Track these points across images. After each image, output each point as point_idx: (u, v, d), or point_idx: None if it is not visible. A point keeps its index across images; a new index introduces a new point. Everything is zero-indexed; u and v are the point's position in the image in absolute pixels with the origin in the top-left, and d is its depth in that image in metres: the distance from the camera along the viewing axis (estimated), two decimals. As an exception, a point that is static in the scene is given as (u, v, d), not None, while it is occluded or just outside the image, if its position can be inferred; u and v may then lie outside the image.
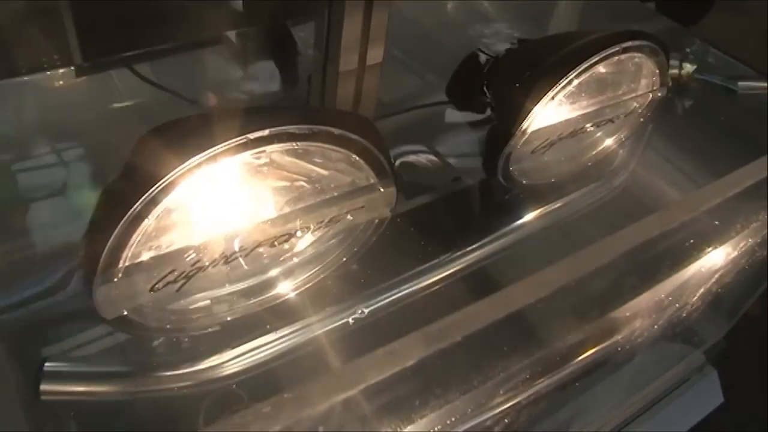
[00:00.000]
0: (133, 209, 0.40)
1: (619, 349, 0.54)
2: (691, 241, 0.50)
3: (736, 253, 0.55)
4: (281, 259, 0.52)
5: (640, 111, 0.70)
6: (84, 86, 0.73)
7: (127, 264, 0.43)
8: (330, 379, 0.37)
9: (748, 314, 0.95)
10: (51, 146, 0.66)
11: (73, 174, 0.66)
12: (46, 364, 0.47)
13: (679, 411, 0.94)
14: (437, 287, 0.58)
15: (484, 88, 0.65)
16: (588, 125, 0.65)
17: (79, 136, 0.66)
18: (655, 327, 0.57)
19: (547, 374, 0.45)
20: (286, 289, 0.52)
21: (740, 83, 0.89)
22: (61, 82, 0.70)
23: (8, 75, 0.65)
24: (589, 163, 0.71)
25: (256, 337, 0.51)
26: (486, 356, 0.38)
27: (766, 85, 0.89)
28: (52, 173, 0.65)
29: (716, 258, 0.54)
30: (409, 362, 0.34)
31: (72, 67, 0.69)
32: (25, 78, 0.66)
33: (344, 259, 0.54)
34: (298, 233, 0.50)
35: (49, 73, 0.68)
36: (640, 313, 0.49)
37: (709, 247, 0.51)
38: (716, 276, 0.58)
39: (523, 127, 0.58)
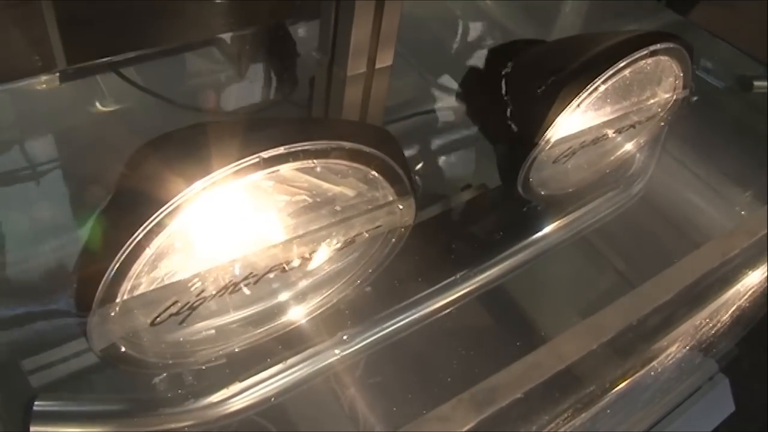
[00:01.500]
0: (133, 238, 0.36)
1: (653, 373, 0.50)
2: (737, 263, 0.47)
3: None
4: (292, 282, 0.47)
5: (661, 114, 0.67)
6: (69, 92, 0.67)
7: (126, 297, 0.38)
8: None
9: (762, 321, 0.93)
10: (38, 154, 0.61)
11: (59, 185, 0.61)
12: (36, 402, 0.43)
13: (691, 421, 0.91)
14: (452, 308, 0.55)
15: (502, 92, 0.61)
16: (610, 131, 0.62)
17: (65, 144, 0.62)
18: (687, 348, 0.54)
19: (586, 409, 0.41)
20: (298, 315, 0.48)
21: (756, 83, 0.86)
22: (44, 87, 0.64)
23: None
24: (608, 170, 0.68)
25: (265, 369, 0.47)
26: (538, 405, 0.35)
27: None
28: (37, 183, 0.60)
29: (753, 278, 0.51)
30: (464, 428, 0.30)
31: (56, 73, 0.64)
32: (8, 85, 0.61)
33: (358, 281, 0.50)
34: (310, 255, 0.46)
35: (31, 79, 0.63)
36: (679, 339, 0.46)
37: (750, 270, 0.48)
38: (749, 293, 0.55)
39: (547, 137, 0.55)
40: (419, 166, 0.67)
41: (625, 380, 0.44)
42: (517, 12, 0.94)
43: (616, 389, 0.44)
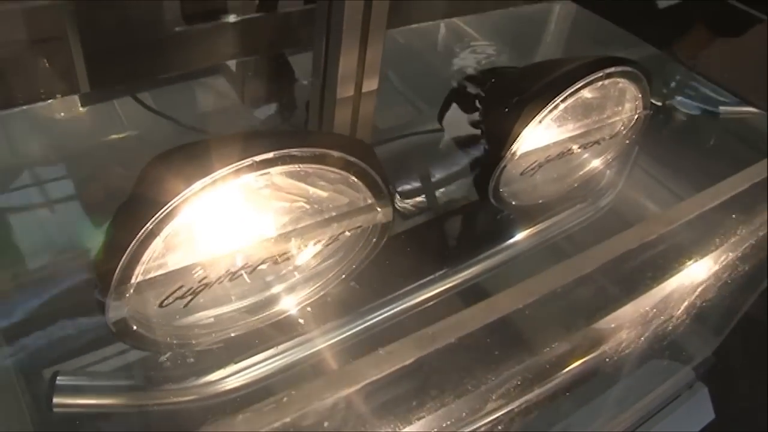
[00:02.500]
0: (145, 228, 0.43)
1: (607, 359, 0.56)
2: (671, 254, 0.53)
3: (717, 266, 0.58)
4: (283, 275, 0.54)
5: (624, 133, 0.73)
6: (88, 114, 0.75)
7: (138, 280, 0.45)
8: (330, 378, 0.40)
9: (737, 329, 0.98)
10: (60, 170, 0.68)
11: (78, 196, 0.68)
12: (59, 377, 0.49)
13: (670, 427, 0.96)
14: (431, 302, 0.61)
15: (476, 114, 0.68)
16: (575, 147, 0.68)
17: (87, 161, 0.69)
18: (642, 339, 0.59)
19: (539, 383, 0.47)
20: (288, 305, 0.55)
21: (721, 108, 0.93)
22: (63, 112, 0.72)
23: (15, 104, 0.67)
24: (576, 184, 0.74)
25: (259, 353, 0.54)
26: (478, 356, 0.41)
27: (746, 109, 0.93)
28: (61, 196, 0.67)
29: (697, 271, 0.56)
30: (406, 362, 0.36)
31: (76, 96, 0.72)
32: (33, 105, 0.69)
33: (343, 276, 0.56)
34: (299, 250, 0.52)
35: (52, 101, 0.71)
36: (625, 324, 0.51)
37: (689, 260, 0.54)
38: (699, 290, 0.60)
39: (512, 150, 0.61)
40: (405, 181, 0.74)
41: (575, 360, 0.49)
42: (501, 42, 1.02)
43: (568, 368, 0.50)
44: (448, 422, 0.39)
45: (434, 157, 0.78)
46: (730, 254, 0.58)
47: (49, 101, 0.68)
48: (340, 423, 0.38)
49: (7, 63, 0.64)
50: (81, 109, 0.73)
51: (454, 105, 0.74)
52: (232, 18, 0.78)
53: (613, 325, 0.49)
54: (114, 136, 0.73)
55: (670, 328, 0.64)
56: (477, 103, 0.69)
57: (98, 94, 0.72)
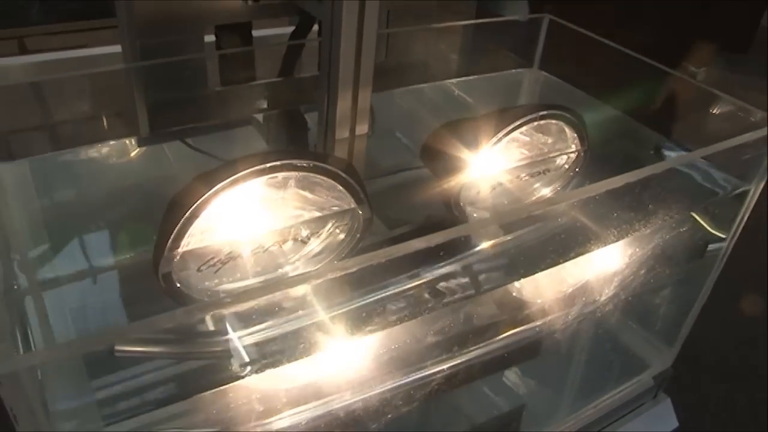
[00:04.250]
0: (190, 210, 0.62)
1: (538, 330, 0.72)
2: (578, 239, 0.70)
3: (626, 258, 0.74)
4: (290, 258, 0.72)
5: (567, 167, 0.91)
6: (143, 153, 0.97)
7: (183, 250, 0.63)
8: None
9: (694, 345, 1.11)
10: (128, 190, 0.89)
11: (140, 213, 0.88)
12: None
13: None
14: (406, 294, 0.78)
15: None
16: (522, 175, 0.86)
17: (147, 183, 0.90)
18: (570, 317, 0.75)
19: (475, 344, 0.63)
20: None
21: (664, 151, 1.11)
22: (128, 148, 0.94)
23: (93, 142, 0.89)
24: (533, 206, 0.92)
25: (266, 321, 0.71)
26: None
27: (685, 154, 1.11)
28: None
29: (610, 260, 0.73)
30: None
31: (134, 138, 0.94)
32: (105, 144, 0.90)
33: (336, 260, 0.74)
34: (303, 239, 0.71)
35: (113, 142, 0.93)
36: (546, 304, 0.68)
37: (591, 247, 0.70)
38: (617, 279, 0.76)
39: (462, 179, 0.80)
40: (392, 207, 0.92)
41: (507, 329, 0.65)
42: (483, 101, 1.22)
43: (502, 336, 0.66)
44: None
45: (415, 187, 0.96)
46: (636, 249, 0.75)
47: (118, 141, 0.89)
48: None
49: (90, 109, 0.86)
50: (139, 149, 0.95)
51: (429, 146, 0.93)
52: (258, 81, 0.99)
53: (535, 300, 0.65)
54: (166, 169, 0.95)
55: (599, 315, 0.79)
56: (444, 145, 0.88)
57: (153, 137, 0.93)
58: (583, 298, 0.74)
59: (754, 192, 0.88)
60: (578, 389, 1.00)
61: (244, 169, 0.63)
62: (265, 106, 1.01)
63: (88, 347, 0.47)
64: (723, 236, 0.93)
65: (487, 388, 0.91)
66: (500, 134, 0.80)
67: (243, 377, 0.65)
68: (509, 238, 0.81)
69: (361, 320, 0.65)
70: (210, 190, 0.62)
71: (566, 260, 0.69)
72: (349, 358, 0.67)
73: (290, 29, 1.00)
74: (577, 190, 0.73)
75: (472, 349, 0.68)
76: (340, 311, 0.69)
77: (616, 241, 0.72)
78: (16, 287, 0.74)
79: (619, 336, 1.08)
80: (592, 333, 1.04)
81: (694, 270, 1.01)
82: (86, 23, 2.28)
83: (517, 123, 0.80)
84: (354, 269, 0.57)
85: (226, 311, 0.70)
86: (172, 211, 0.64)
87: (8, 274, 0.74)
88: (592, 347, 0.97)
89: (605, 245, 0.71)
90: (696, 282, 1.00)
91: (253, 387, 0.65)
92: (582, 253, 0.70)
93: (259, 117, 1.02)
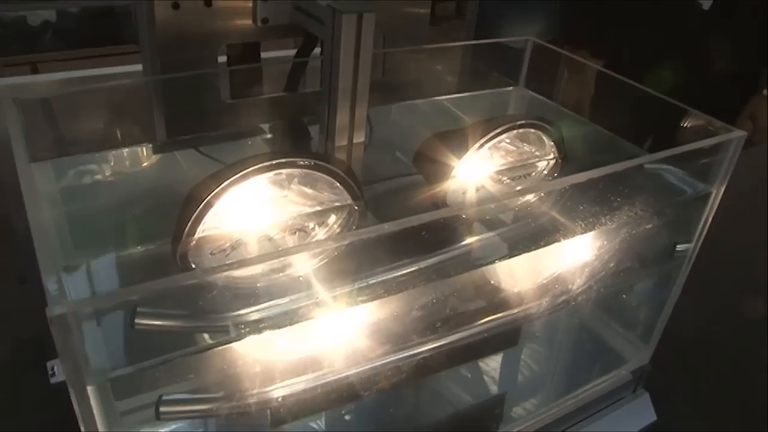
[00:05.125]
0: (205, 200, 0.71)
1: (515, 314, 0.80)
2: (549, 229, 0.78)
3: (595, 251, 0.82)
4: (295, 245, 0.81)
5: (546, 172, 1.00)
6: (158, 159, 1.06)
7: (199, 236, 0.72)
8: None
9: (672, 342, 1.19)
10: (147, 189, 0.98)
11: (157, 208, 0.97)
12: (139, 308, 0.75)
13: (610, 425, 1.15)
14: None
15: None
16: (504, 179, 0.95)
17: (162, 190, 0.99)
18: (544, 303, 0.83)
19: (455, 326, 0.71)
20: (301, 267, 0.81)
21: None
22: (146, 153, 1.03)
23: (116, 147, 0.98)
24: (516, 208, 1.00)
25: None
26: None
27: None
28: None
29: (581, 252, 0.81)
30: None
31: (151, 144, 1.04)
32: (124, 149, 1.00)
33: (336, 252, 0.83)
34: (308, 228, 0.80)
35: (128, 149, 1.02)
36: (524, 292, 0.76)
37: (560, 238, 0.79)
38: (587, 270, 0.85)
39: (449, 179, 0.89)
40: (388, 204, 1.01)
41: (487, 315, 0.74)
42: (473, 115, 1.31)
43: (483, 320, 0.74)
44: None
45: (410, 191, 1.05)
46: (605, 242, 0.83)
47: (135, 147, 0.99)
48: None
49: (112, 119, 0.96)
50: (156, 154, 1.04)
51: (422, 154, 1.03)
52: (266, 95, 1.09)
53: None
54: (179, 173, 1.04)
55: (573, 304, 0.87)
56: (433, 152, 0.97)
57: (169, 144, 1.02)
58: (557, 286, 0.83)
59: (716, 195, 0.97)
60: (559, 380, 1.08)
61: (254, 165, 0.72)
62: (271, 117, 1.10)
63: (126, 297, 0.58)
64: (690, 238, 1.02)
65: (470, 375, 0.99)
66: (483, 140, 0.89)
67: (242, 339, 0.73)
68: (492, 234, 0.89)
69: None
70: (223, 183, 0.71)
71: (537, 248, 0.78)
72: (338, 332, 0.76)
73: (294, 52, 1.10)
74: (546, 183, 0.82)
75: (453, 332, 0.76)
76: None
77: (584, 233, 0.80)
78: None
79: (598, 333, 1.16)
80: (572, 329, 1.12)
81: (666, 270, 1.09)
82: (109, 48, 3.02)
83: (499, 130, 0.89)
84: (346, 242, 0.65)
85: (232, 292, 0.79)
86: (189, 201, 0.73)
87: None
88: (573, 342, 1.05)
89: (574, 236, 0.80)
90: (668, 282, 1.08)
91: (250, 357, 0.74)
92: (551, 242, 0.78)
93: (266, 127, 1.11)
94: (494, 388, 1.03)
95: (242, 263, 0.65)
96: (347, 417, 1.00)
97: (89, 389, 0.57)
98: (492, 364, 1.05)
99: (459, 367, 0.97)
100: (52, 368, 1.11)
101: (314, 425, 1.06)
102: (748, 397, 1.85)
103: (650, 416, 1.20)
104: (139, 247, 0.90)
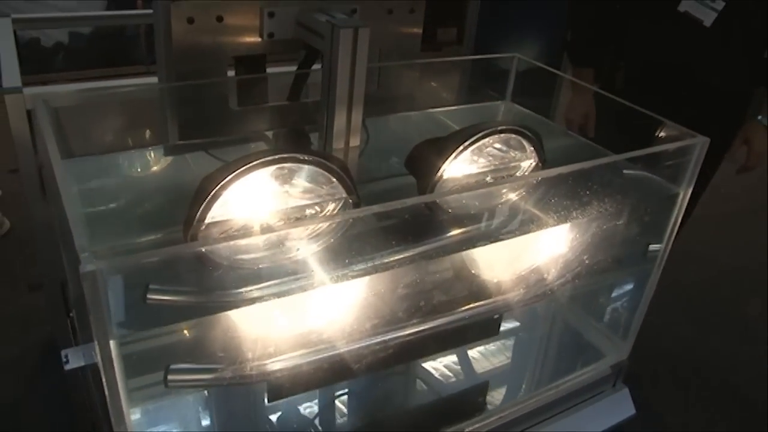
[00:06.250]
0: (213, 191, 0.79)
1: (495, 303, 0.88)
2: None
3: (569, 245, 0.90)
4: (296, 234, 0.89)
5: (527, 174, 1.08)
6: (170, 159, 1.15)
7: (208, 222, 0.80)
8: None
9: (650, 341, 1.26)
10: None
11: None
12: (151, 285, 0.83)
13: (590, 417, 1.22)
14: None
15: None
16: (487, 179, 1.04)
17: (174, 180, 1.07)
18: (524, 291, 0.91)
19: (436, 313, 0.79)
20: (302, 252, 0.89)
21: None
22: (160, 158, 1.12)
23: (134, 147, 1.07)
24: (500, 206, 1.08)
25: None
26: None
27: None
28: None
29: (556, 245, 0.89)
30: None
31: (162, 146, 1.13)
32: (140, 150, 1.09)
33: (332, 240, 0.91)
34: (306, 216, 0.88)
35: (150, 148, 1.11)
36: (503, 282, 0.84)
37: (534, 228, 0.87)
38: (562, 262, 0.93)
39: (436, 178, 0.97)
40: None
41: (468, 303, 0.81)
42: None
43: (464, 308, 0.81)
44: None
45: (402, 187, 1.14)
46: (578, 235, 0.91)
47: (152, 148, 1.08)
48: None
49: (129, 122, 1.05)
50: (166, 157, 1.13)
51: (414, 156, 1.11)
52: (270, 104, 1.18)
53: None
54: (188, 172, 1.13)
55: (550, 292, 0.95)
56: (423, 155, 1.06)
57: (180, 146, 1.11)
58: (534, 276, 0.90)
59: (684, 195, 1.05)
60: (540, 372, 1.15)
61: (259, 159, 0.80)
62: (274, 124, 1.19)
63: (146, 259, 0.67)
64: (660, 237, 1.10)
65: (453, 365, 1.06)
66: (467, 143, 0.97)
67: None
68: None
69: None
70: (232, 173, 0.79)
71: (515, 236, 0.86)
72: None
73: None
74: (520, 176, 0.90)
75: (436, 316, 0.84)
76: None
77: (558, 224, 0.89)
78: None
79: (579, 329, 1.23)
80: (554, 325, 1.19)
81: (640, 270, 1.17)
82: (117, 69, 3.37)
83: (480, 135, 0.98)
84: (338, 220, 0.74)
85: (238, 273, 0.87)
86: (200, 190, 0.81)
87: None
88: (554, 337, 1.13)
89: (548, 227, 0.88)
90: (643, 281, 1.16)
91: (248, 333, 0.81)
92: (526, 232, 0.86)
93: (269, 133, 1.20)
94: (476, 378, 1.10)
95: (245, 235, 0.73)
96: (337, 402, 1.07)
97: (111, 343, 0.65)
98: (474, 355, 1.12)
99: (443, 356, 1.04)
100: (66, 356, 1.18)
101: (304, 412, 1.13)
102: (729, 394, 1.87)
103: (629, 410, 1.26)
104: (152, 235, 0.98)
